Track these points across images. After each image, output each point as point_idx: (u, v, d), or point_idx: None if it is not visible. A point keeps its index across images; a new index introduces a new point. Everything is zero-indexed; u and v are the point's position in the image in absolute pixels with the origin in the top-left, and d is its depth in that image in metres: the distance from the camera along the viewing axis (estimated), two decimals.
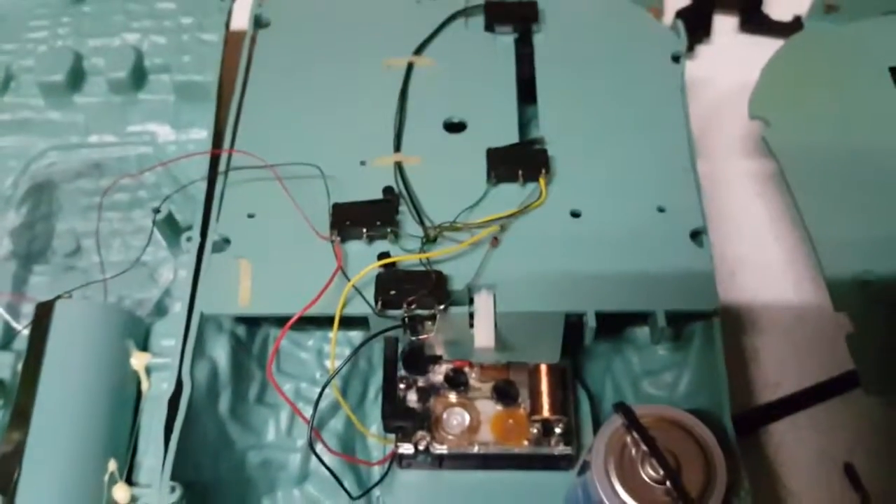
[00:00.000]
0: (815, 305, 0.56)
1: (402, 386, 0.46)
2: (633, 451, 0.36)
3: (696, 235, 0.45)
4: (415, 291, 0.42)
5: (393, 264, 0.44)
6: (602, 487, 0.36)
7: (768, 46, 0.62)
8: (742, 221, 0.61)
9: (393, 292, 0.42)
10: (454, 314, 0.43)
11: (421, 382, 0.46)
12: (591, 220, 0.46)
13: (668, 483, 0.35)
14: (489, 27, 0.55)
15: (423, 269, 0.44)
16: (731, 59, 0.69)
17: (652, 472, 0.36)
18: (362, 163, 0.49)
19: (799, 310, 0.56)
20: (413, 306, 0.42)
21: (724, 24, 0.71)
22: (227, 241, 0.46)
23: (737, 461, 0.38)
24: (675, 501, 0.35)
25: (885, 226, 0.49)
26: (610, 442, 0.37)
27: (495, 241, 0.45)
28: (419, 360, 0.46)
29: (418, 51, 0.54)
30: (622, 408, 0.37)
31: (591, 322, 0.42)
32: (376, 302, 0.42)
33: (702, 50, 0.70)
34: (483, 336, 0.42)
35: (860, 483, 0.48)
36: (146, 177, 0.56)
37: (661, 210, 0.46)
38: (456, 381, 0.46)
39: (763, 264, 0.58)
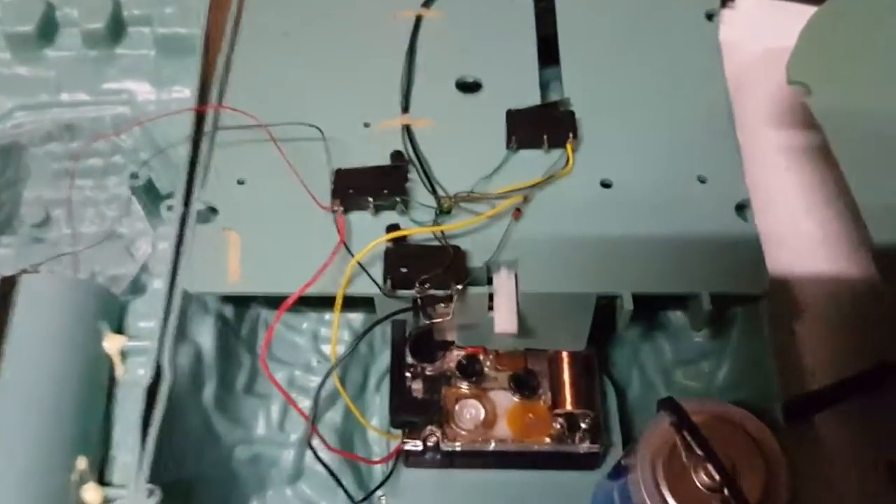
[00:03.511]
0: (851, 285, 0.53)
1: (408, 375, 0.42)
2: (685, 455, 0.32)
3: (742, 208, 0.42)
4: (429, 269, 0.38)
5: (403, 238, 0.40)
6: (649, 495, 0.31)
7: (794, 12, 0.60)
8: (771, 197, 0.57)
9: (404, 270, 0.39)
10: (472, 295, 0.39)
11: (429, 371, 0.42)
12: (624, 190, 0.42)
13: (725, 491, 0.31)
14: None
15: (437, 243, 0.40)
16: (756, 24, 0.64)
17: (706, 479, 0.31)
18: (366, 125, 0.45)
19: (834, 289, 0.53)
20: (427, 286, 0.38)
21: None
22: (213, 211, 0.42)
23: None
24: None
25: None
26: (657, 444, 0.32)
27: (518, 213, 0.41)
28: (428, 346, 0.42)
29: (427, 2, 0.50)
30: (671, 404, 0.33)
31: (627, 304, 0.38)
32: (385, 281, 0.39)
33: (725, 14, 0.65)
34: (504, 320, 0.39)
35: None
36: (122, 140, 0.52)
37: (701, 180, 0.42)
38: (469, 369, 0.42)
39: (795, 242, 0.55)
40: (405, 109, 0.45)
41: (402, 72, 0.47)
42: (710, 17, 0.49)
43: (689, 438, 0.32)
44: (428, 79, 0.47)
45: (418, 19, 0.49)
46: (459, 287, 0.38)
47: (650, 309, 0.45)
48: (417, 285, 0.38)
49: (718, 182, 0.42)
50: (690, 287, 0.39)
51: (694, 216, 0.41)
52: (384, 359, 0.45)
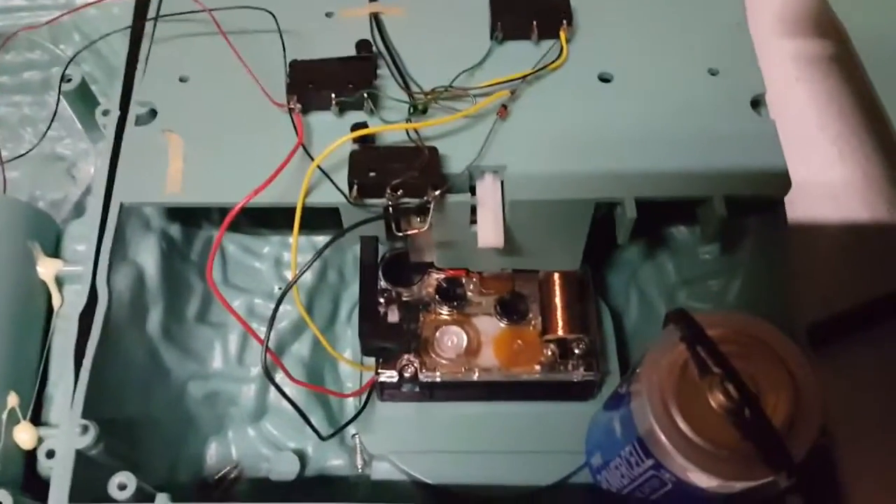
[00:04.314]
0: (868, 204, 0.49)
1: (381, 301, 0.39)
2: (698, 374, 0.27)
3: (757, 104, 0.37)
4: (401, 173, 0.34)
5: (372, 138, 0.35)
6: (658, 421, 0.27)
7: None
8: (778, 112, 0.52)
9: (372, 174, 0.34)
10: (451, 204, 0.35)
11: (406, 296, 0.39)
12: (625, 85, 0.38)
13: (746, 413, 0.26)
14: None
15: (411, 145, 0.35)
16: None
17: (724, 400, 0.27)
18: (328, 14, 0.41)
19: (848, 209, 0.49)
20: (399, 192, 0.34)
21: None
22: (152, 112, 0.38)
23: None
24: (756, 437, 0.26)
25: None
26: (666, 363, 0.28)
27: (503, 111, 0.37)
28: (403, 268, 0.39)
29: None
30: (682, 316, 0.28)
31: (629, 212, 0.34)
32: (350, 187, 0.34)
33: None
34: (488, 232, 0.35)
35: None
36: (62, 51, 0.49)
37: (713, 72, 0.38)
38: (450, 293, 0.39)
39: (807, 158, 0.50)
40: None
41: None
42: None
43: (703, 354, 0.27)
44: None
45: None
46: (437, 193, 0.34)
47: (651, 223, 0.41)
48: (388, 191, 0.34)
49: (731, 74, 0.38)
50: (703, 190, 0.35)
51: (705, 112, 0.37)
52: (356, 287, 0.42)
